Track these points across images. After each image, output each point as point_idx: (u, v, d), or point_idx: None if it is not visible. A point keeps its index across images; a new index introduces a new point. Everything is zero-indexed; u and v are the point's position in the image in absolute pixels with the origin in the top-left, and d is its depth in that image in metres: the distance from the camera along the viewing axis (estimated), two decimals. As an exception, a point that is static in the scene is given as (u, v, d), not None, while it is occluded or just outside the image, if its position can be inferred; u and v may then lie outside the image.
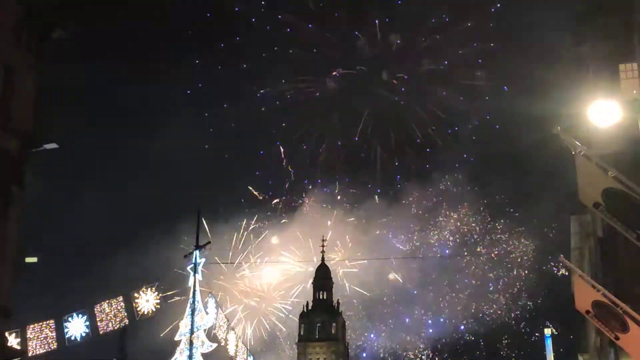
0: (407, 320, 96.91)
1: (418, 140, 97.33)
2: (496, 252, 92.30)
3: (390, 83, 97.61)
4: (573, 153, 13.79)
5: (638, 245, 13.12)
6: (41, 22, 25.38)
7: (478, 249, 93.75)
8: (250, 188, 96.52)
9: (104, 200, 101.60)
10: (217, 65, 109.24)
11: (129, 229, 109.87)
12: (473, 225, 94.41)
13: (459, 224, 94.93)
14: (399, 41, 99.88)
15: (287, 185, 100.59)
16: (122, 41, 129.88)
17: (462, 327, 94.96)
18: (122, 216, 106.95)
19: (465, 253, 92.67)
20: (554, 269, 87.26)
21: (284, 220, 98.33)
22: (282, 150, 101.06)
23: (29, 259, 24.84)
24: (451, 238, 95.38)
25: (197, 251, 47.63)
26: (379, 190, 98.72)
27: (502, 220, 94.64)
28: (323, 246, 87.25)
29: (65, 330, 49.19)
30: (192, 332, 46.88)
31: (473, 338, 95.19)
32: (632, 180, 13.10)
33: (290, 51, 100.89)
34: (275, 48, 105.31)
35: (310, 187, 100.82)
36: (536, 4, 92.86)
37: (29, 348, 47.08)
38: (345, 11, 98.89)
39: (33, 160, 25.43)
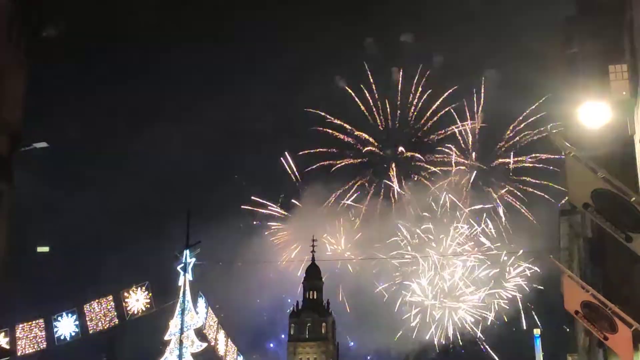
0: (395, 319, 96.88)
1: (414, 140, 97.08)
2: (485, 251, 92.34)
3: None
4: (563, 154, 13.83)
5: (627, 246, 13.18)
6: (32, 21, 25.31)
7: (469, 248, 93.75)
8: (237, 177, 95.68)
9: (94, 199, 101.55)
10: (206, 63, 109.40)
11: (120, 228, 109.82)
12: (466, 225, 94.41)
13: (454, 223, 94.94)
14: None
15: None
16: (113, 41, 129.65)
17: (451, 328, 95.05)
18: (113, 215, 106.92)
19: (468, 249, 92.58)
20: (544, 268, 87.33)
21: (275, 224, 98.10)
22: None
23: (40, 249, 24.78)
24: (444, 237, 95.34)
25: (187, 250, 47.59)
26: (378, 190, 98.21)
27: (491, 221, 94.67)
28: (313, 246, 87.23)
29: (55, 329, 49.03)
30: (182, 331, 46.86)
31: (461, 338, 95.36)
32: (621, 182, 13.16)
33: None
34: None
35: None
36: (526, 5, 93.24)
37: (18, 347, 46.95)
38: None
39: (23, 159, 25.39)
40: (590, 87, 24.54)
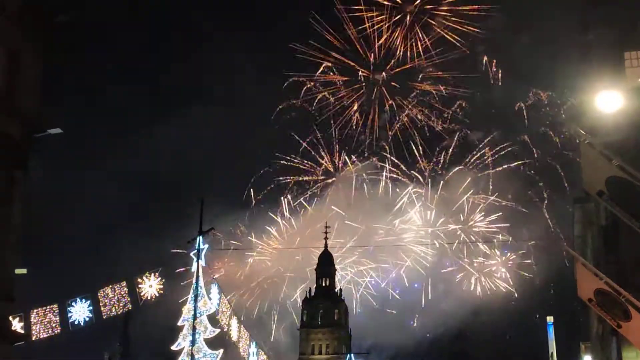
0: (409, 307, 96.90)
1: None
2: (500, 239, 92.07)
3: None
4: (578, 141, 13.77)
5: (641, 234, 13.14)
6: (46, 8, 25.36)
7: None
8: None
9: (108, 185, 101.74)
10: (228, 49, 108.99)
11: (133, 214, 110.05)
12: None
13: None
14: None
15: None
16: (128, 27, 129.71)
17: (464, 316, 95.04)
18: (127, 201, 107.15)
19: (480, 240, 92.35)
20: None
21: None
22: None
23: (18, 271, 24.41)
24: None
25: (201, 237, 47.70)
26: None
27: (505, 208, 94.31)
28: (326, 232, 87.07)
29: (69, 314, 49.50)
30: (195, 317, 46.95)
31: (476, 326, 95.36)
32: (636, 169, 13.09)
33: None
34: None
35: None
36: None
37: (33, 332, 47.41)
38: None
39: (38, 145, 25.48)
40: (606, 74, 24.43)
